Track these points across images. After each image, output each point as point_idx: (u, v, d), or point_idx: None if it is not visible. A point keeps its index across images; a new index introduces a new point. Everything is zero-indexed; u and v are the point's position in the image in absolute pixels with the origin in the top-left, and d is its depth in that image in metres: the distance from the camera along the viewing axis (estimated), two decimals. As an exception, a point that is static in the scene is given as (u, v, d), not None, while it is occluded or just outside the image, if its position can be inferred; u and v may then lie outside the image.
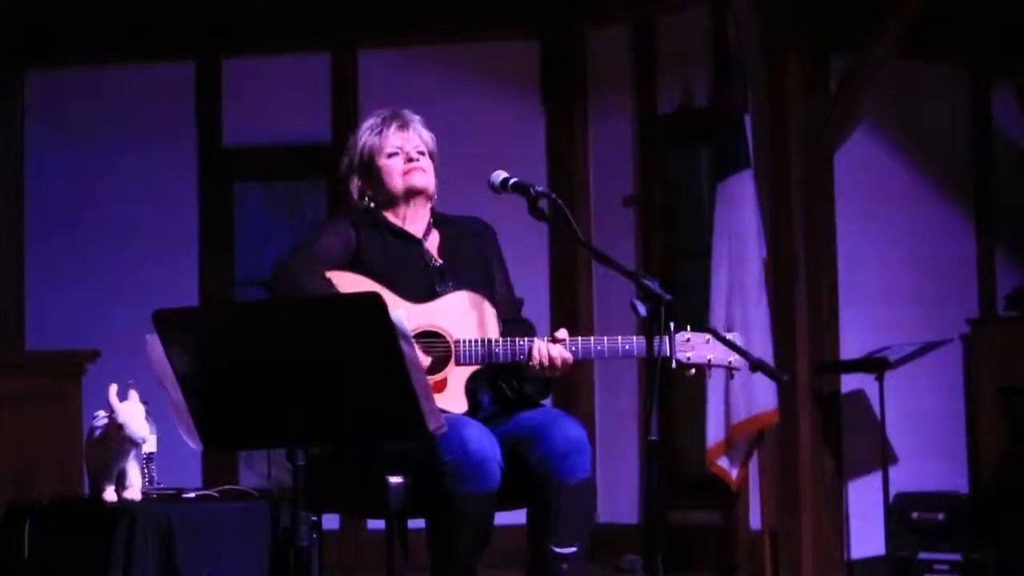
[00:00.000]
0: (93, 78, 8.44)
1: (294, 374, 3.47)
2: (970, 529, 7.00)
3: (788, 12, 7.19)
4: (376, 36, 8.33)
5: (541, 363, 4.17)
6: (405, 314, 3.47)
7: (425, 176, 4.41)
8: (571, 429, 4.16)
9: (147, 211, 8.34)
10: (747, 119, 7.02)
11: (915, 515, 7.03)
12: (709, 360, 4.23)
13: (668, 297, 3.84)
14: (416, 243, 4.38)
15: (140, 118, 8.38)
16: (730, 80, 7.07)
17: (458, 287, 4.30)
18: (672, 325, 4.15)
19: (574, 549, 4.12)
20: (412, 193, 4.39)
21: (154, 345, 3.57)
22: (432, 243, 4.42)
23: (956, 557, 6.94)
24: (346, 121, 8.31)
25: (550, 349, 4.16)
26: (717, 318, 6.94)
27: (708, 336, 4.21)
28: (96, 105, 8.42)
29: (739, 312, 6.94)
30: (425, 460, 4.00)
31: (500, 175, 4.21)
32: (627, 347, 4.18)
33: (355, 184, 4.48)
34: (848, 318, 7.30)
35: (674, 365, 4.18)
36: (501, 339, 4.20)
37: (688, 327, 4.22)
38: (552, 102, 8.20)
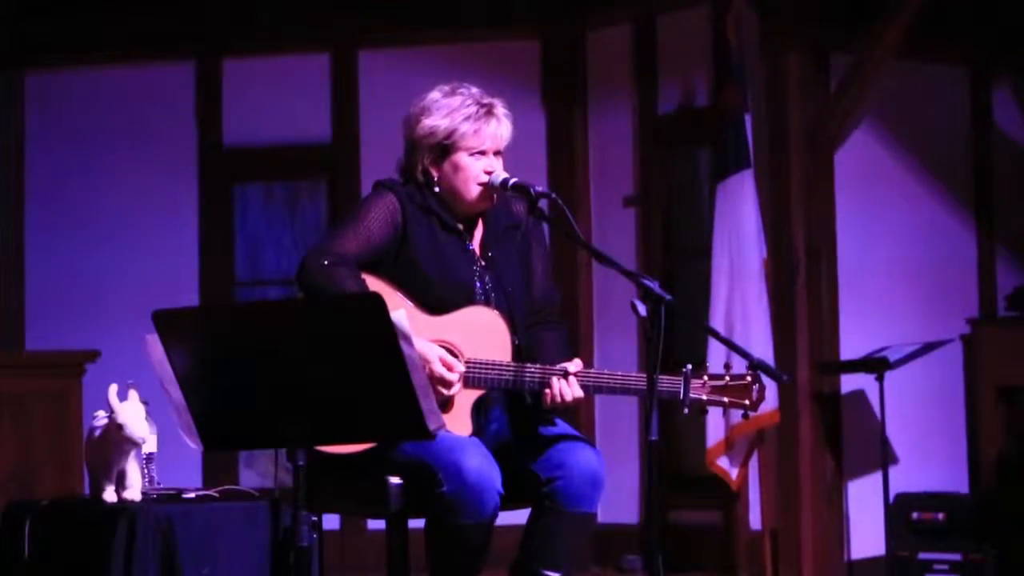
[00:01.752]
0: (93, 78, 8.44)
1: (294, 374, 3.47)
2: (970, 529, 7.00)
3: (788, 12, 7.19)
4: (376, 36, 8.33)
5: (553, 400, 4.07)
6: (405, 314, 3.46)
7: (495, 198, 4.22)
8: (591, 462, 4.09)
9: (147, 211, 8.35)
10: (747, 119, 7.02)
11: (915, 515, 7.03)
12: (726, 402, 4.13)
13: (668, 297, 3.82)
14: (461, 238, 4.22)
15: (140, 118, 8.39)
16: (730, 80, 7.07)
17: (495, 290, 4.21)
18: (688, 367, 4.09)
19: (559, 574, 4.10)
20: (477, 205, 4.24)
21: (154, 345, 3.57)
22: (476, 238, 4.27)
23: (956, 557, 6.94)
24: (346, 121, 8.32)
25: (562, 390, 4.05)
26: (717, 318, 6.95)
27: (726, 378, 4.12)
28: (96, 105, 8.42)
29: (739, 312, 6.94)
30: (420, 473, 3.98)
31: (500, 175, 4.20)
32: (641, 385, 4.08)
33: (422, 159, 4.22)
34: (848, 318, 7.31)
35: (686, 411, 4.11)
36: (514, 365, 4.09)
37: (707, 367, 4.16)
38: (552, 102, 8.20)
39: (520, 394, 4.18)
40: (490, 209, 4.28)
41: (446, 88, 4.26)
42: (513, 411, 4.23)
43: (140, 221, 8.34)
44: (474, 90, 4.25)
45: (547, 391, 4.07)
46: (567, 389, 4.06)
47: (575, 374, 4.07)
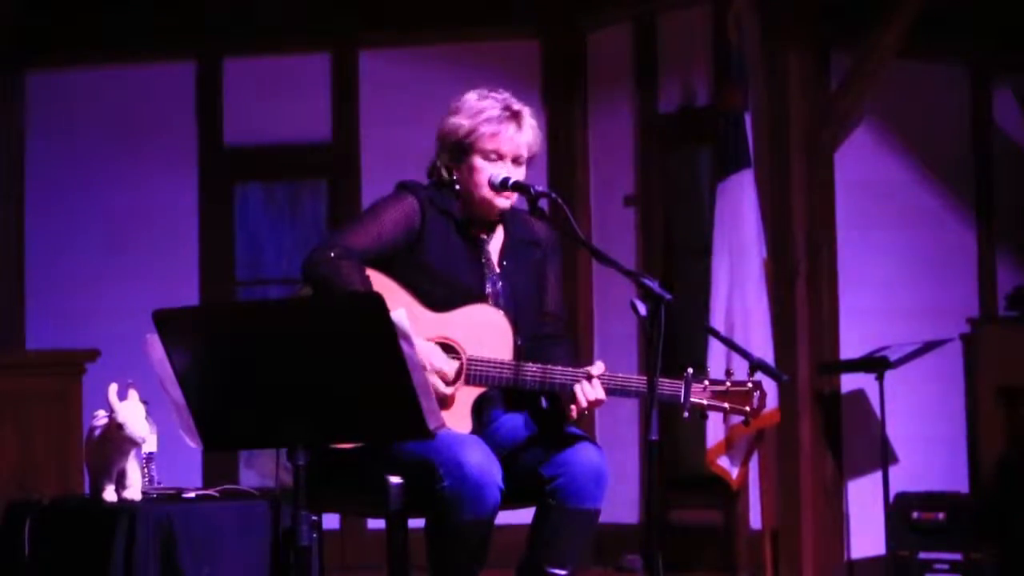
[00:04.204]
0: (93, 78, 8.44)
1: (294, 374, 3.47)
2: (970, 529, 6.99)
3: (788, 11, 7.19)
4: (376, 36, 8.34)
5: (579, 409, 4.02)
6: (405, 313, 3.46)
7: (509, 204, 4.21)
8: (593, 458, 4.08)
9: (147, 211, 8.35)
10: (747, 118, 7.02)
11: (915, 515, 7.03)
12: (727, 408, 4.12)
13: (668, 297, 3.81)
14: (478, 244, 4.22)
15: (141, 118, 8.39)
16: (731, 79, 7.07)
17: (505, 297, 4.20)
18: (690, 371, 4.07)
19: (566, 572, 4.10)
20: (484, 210, 4.21)
21: (154, 345, 3.57)
22: (495, 245, 4.26)
23: (956, 557, 6.93)
24: (347, 121, 8.32)
25: (585, 391, 4.01)
26: (717, 317, 6.95)
27: (727, 384, 4.11)
28: (96, 105, 8.42)
29: (739, 312, 6.94)
30: (420, 469, 3.98)
31: (500, 174, 4.19)
32: (642, 386, 4.04)
33: (441, 157, 4.23)
34: (848, 318, 7.31)
35: (686, 414, 4.10)
36: (515, 363, 4.08)
37: (708, 372, 4.14)
38: (552, 101, 8.20)
39: (524, 396, 4.18)
40: (512, 222, 4.28)
41: (483, 91, 4.25)
42: (515, 412, 4.23)
43: (140, 220, 8.34)
44: (507, 95, 4.23)
45: (572, 407, 4.05)
46: (590, 390, 4.04)
47: (599, 376, 4.05)
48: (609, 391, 4.08)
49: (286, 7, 8.33)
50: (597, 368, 4.07)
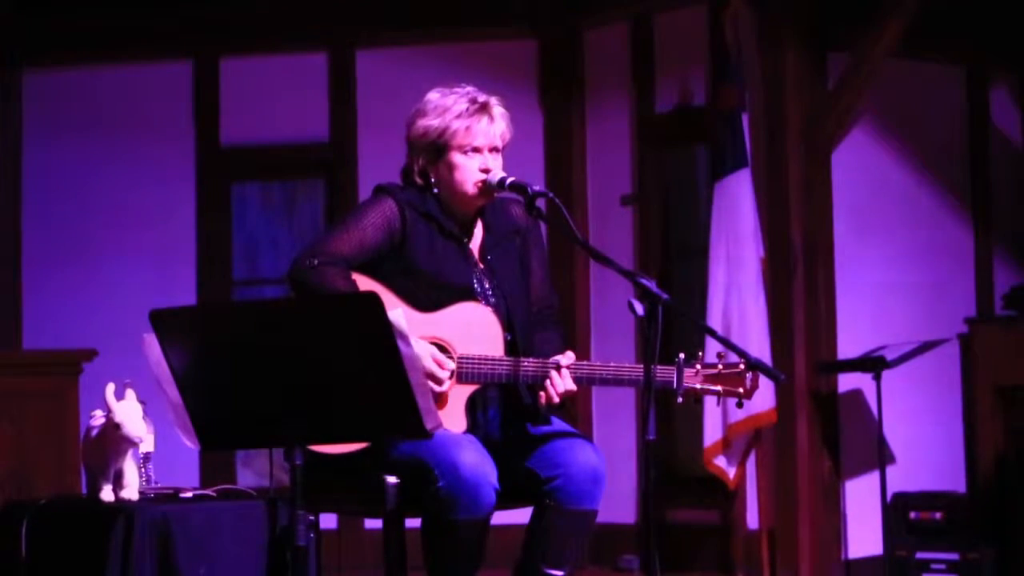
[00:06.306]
0: (92, 78, 8.44)
1: (292, 374, 3.47)
2: (968, 528, 7.00)
3: (786, 11, 7.20)
4: (374, 36, 8.33)
5: (548, 397, 4.05)
6: (403, 313, 3.46)
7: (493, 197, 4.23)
8: (591, 459, 4.10)
9: (145, 211, 8.34)
10: (745, 118, 7.03)
11: (913, 515, 7.03)
12: (720, 391, 4.13)
13: (666, 296, 3.82)
14: (461, 243, 4.22)
15: (138, 118, 8.38)
16: (728, 79, 7.07)
17: (495, 294, 4.21)
18: (681, 356, 4.09)
19: (563, 573, 4.11)
20: (474, 203, 4.24)
21: (151, 345, 3.57)
22: (476, 242, 4.27)
23: (954, 557, 6.94)
24: (344, 121, 8.32)
25: (555, 382, 4.04)
26: (715, 317, 6.95)
27: (719, 367, 4.11)
28: (94, 105, 8.42)
29: (736, 311, 6.94)
30: (416, 469, 3.98)
31: (498, 174, 4.19)
32: (634, 375, 4.09)
33: (418, 160, 4.22)
34: (845, 317, 7.31)
35: (680, 400, 4.11)
36: (507, 359, 4.10)
37: (700, 356, 4.15)
38: (550, 101, 8.20)
39: (516, 393, 4.18)
40: (490, 213, 4.28)
41: (444, 89, 4.27)
42: (510, 411, 4.23)
43: (137, 220, 8.33)
44: (469, 88, 4.25)
45: (541, 393, 4.07)
46: (559, 381, 4.06)
47: (567, 367, 4.08)
48: (580, 380, 4.09)
49: (283, 7, 8.32)
50: (567, 358, 4.09)
